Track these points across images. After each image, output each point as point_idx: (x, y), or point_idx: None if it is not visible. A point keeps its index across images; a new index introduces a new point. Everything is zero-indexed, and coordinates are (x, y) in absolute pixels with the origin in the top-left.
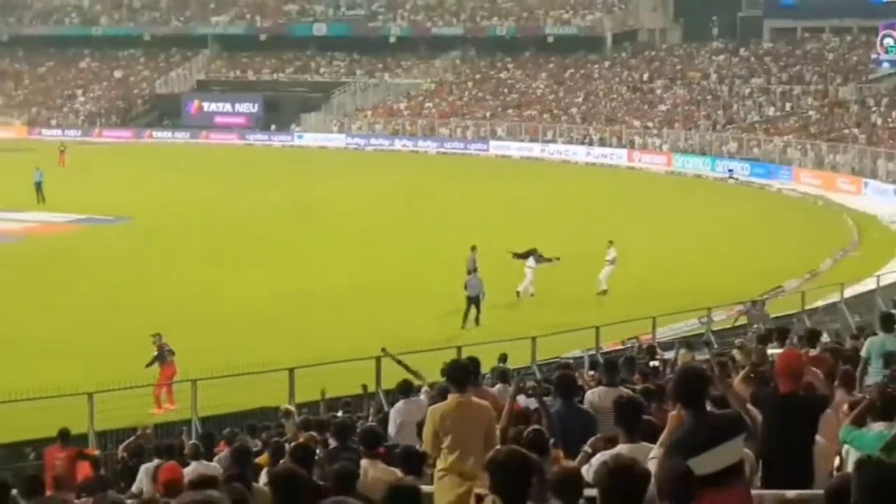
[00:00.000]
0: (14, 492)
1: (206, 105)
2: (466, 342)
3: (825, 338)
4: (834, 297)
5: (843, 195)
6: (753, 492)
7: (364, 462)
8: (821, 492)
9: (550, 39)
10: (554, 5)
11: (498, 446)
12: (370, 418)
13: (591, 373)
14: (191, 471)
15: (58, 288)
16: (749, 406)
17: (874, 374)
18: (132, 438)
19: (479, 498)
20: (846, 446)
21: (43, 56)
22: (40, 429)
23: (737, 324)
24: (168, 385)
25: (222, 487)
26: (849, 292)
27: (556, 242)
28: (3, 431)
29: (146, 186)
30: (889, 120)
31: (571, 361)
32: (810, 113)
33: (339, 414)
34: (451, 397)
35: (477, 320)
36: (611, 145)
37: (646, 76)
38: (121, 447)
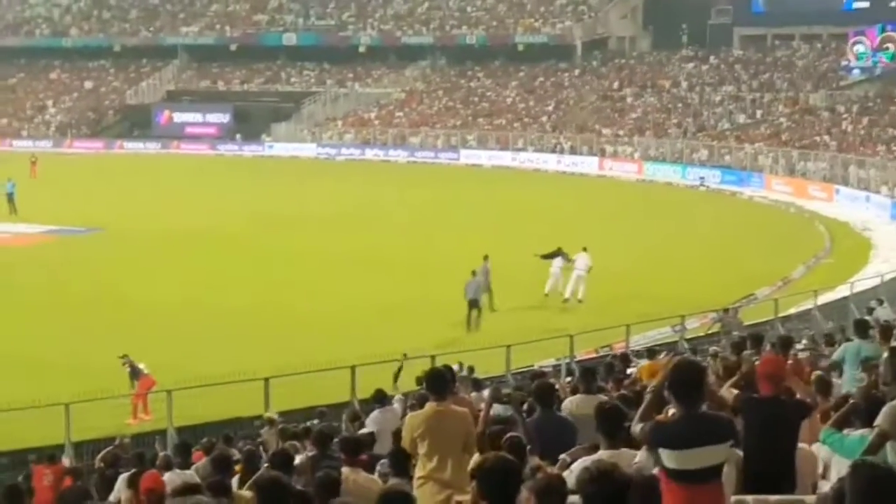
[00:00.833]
0: None
1: (176, 115)
2: (441, 351)
3: (800, 345)
4: (808, 304)
5: (815, 202)
6: (735, 497)
7: (345, 470)
8: (802, 497)
9: (520, 48)
10: (524, 14)
11: (476, 454)
12: (343, 426)
13: (568, 379)
14: (169, 479)
15: (30, 299)
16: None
17: (849, 381)
18: (109, 448)
19: None
20: (826, 451)
21: (13, 67)
22: (16, 441)
23: (710, 331)
24: (143, 396)
25: (207, 493)
26: (822, 299)
27: (528, 251)
28: None
29: (117, 197)
30: (860, 127)
31: (549, 369)
32: (781, 120)
33: (316, 422)
34: (429, 405)
35: (478, 320)
36: (581, 153)
37: (616, 84)
38: (97, 457)
